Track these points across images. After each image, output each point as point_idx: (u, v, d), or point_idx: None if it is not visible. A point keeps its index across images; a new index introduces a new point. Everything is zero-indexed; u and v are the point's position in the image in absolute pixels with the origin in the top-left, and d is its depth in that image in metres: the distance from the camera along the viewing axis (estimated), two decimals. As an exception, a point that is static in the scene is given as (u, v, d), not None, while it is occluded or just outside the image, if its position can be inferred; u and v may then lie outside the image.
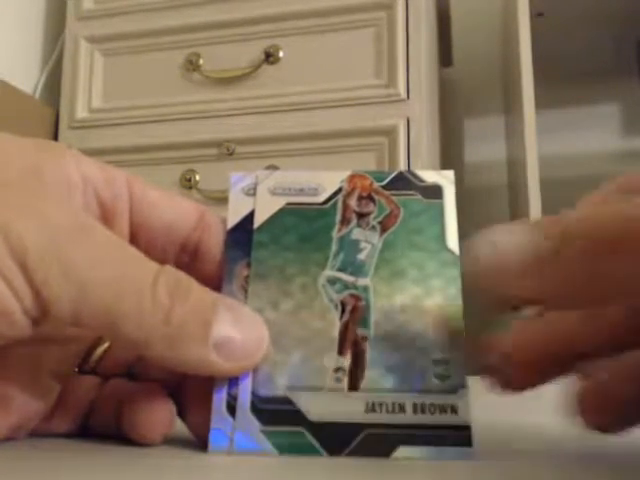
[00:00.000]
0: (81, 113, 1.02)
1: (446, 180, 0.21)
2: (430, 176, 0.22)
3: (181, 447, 0.19)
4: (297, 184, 0.21)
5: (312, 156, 0.91)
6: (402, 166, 0.86)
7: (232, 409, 0.18)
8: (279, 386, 0.18)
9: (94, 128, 1.01)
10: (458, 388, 0.18)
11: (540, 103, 1.00)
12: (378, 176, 0.22)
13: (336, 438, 0.18)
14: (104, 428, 0.21)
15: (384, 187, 0.21)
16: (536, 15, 1.12)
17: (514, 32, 1.04)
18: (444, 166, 1.20)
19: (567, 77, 1.30)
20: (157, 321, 0.17)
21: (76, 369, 0.21)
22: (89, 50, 1.04)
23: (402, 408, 0.18)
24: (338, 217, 0.21)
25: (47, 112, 1.06)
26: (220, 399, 0.18)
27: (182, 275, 0.18)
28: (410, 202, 0.21)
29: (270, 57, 0.95)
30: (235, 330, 0.18)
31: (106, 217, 0.20)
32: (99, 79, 1.03)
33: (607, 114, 1.32)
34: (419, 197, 0.21)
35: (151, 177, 0.93)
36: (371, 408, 0.18)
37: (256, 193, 0.21)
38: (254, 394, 0.18)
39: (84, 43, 1.04)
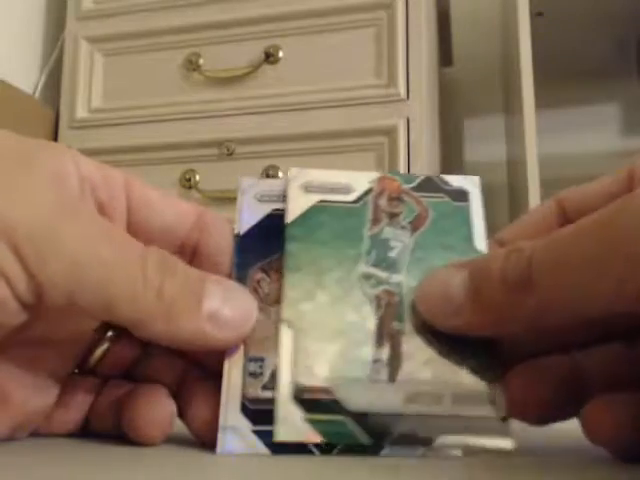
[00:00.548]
0: (81, 113, 1.02)
1: (472, 185, 0.22)
2: (457, 180, 0.22)
3: (181, 447, 0.19)
4: (328, 182, 0.22)
5: (312, 156, 0.91)
6: (402, 166, 0.86)
7: (247, 411, 0.18)
8: (318, 377, 0.19)
9: (94, 128, 1.01)
10: (493, 380, 0.19)
11: (540, 103, 1.00)
12: (407, 179, 0.22)
13: (377, 428, 0.18)
14: (104, 428, 0.21)
15: (412, 189, 0.22)
16: (536, 15, 1.12)
17: (514, 32, 1.04)
18: (444, 166, 1.20)
19: (567, 77, 1.30)
20: (150, 297, 0.17)
21: (76, 370, 0.21)
22: (89, 50, 1.04)
23: (440, 399, 0.18)
24: (369, 216, 0.21)
25: (47, 112, 1.06)
26: (234, 400, 0.19)
27: (167, 253, 0.18)
28: (439, 204, 0.22)
29: (270, 57, 0.95)
30: (225, 301, 0.18)
31: (104, 216, 0.20)
32: (99, 79, 1.03)
33: (607, 114, 1.32)
34: (447, 199, 0.22)
35: (151, 177, 0.93)
36: (410, 399, 0.18)
37: (287, 190, 0.22)
38: (295, 384, 0.19)
39: (84, 43, 1.04)
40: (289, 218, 0.21)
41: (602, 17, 1.15)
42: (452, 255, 0.21)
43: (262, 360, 0.19)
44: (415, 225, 0.21)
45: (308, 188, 0.22)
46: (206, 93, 0.97)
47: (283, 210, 0.22)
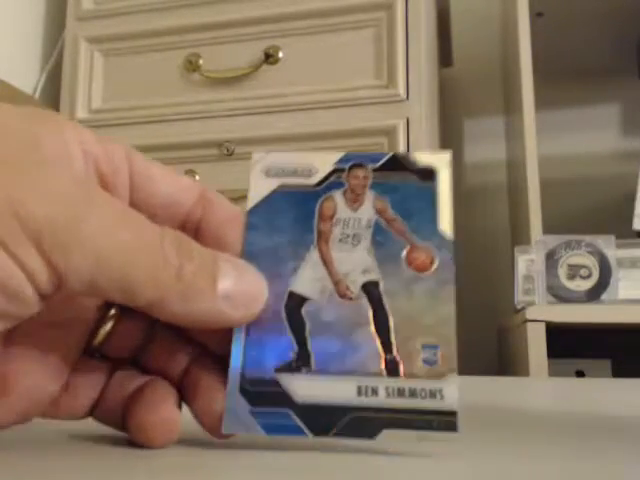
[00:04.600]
0: (81, 113, 1.02)
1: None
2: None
3: (181, 447, 0.19)
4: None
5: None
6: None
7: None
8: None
9: (94, 128, 1.01)
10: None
11: (540, 103, 1.00)
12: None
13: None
14: (109, 421, 0.20)
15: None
16: (536, 15, 1.12)
17: (514, 32, 1.04)
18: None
19: (567, 77, 1.30)
20: (170, 279, 0.17)
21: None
22: (89, 50, 1.04)
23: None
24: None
25: (47, 112, 1.06)
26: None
27: (180, 233, 0.18)
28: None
29: (270, 57, 0.95)
30: (238, 279, 0.19)
31: (107, 192, 0.19)
32: (99, 79, 1.03)
33: (607, 114, 1.32)
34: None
35: (151, 177, 0.93)
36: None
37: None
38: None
39: (84, 43, 1.04)
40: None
41: (602, 17, 1.15)
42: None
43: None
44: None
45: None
46: (206, 93, 0.97)
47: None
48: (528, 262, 0.89)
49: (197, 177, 0.94)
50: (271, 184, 0.21)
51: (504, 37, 1.29)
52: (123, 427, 0.20)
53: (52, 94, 1.10)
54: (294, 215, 0.20)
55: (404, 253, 0.20)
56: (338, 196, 0.21)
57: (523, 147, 0.96)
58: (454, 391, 0.18)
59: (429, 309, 0.19)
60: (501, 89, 1.37)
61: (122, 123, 0.99)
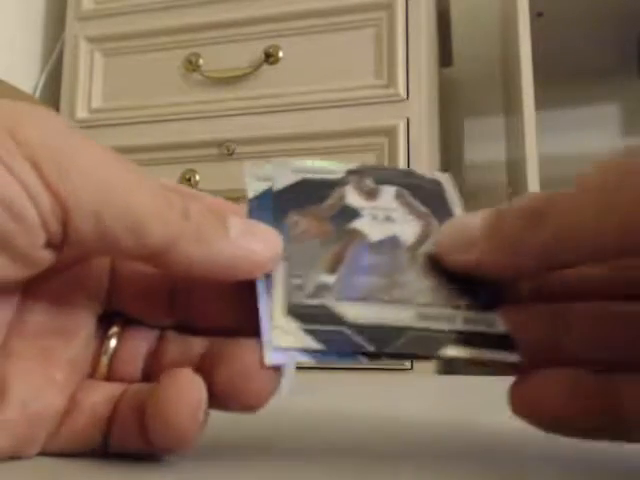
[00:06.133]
0: (81, 113, 1.02)
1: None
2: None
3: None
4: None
5: (312, 156, 0.91)
6: (402, 166, 0.86)
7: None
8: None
9: (94, 128, 1.01)
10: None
11: (540, 103, 1.00)
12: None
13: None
14: (126, 442, 0.17)
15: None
16: (536, 15, 1.12)
17: (514, 32, 1.04)
18: (444, 166, 1.20)
19: (567, 77, 1.30)
20: (177, 217, 0.16)
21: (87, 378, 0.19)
22: (89, 50, 1.04)
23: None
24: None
25: (47, 112, 1.06)
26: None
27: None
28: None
29: (270, 57, 0.95)
30: (248, 225, 0.18)
31: None
32: (99, 79, 1.03)
33: (607, 114, 1.32)
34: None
35: (151, 177, 0.93)
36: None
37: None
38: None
39: (84, 43, 1.04)
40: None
41: (602, 17, 1.15)
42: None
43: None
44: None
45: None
46: (206, 93, 0.97)
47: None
48: (528, 262, 0.88)
49: (197, 177, 0.94)
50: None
51: (504, 37, 1.29)
52: (141, 439, 0.17)
53: (52, 94, 1.10)
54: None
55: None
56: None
57: (523, 147, 0.96)
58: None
59: None
60: (501, 89, 1.37)
61: (122, 123, 0.99)
